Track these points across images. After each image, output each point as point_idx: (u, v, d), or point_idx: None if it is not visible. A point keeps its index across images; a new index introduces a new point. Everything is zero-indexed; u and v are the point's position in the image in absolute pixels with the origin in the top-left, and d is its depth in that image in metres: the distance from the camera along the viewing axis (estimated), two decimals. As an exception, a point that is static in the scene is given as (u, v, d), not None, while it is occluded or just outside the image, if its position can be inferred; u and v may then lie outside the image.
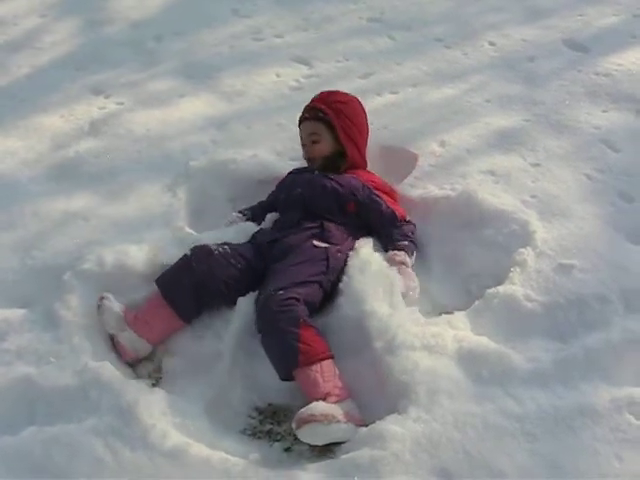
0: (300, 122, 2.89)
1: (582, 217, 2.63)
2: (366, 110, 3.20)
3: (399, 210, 2.72)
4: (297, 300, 2.34)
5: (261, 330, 2.34)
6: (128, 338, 2.47)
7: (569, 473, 1.99)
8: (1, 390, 2.33)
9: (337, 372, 2.26)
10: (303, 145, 2.88)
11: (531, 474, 1.99)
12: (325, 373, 2.23)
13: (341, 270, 2.51)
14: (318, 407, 2.14)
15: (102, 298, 2.49)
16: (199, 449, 2.14)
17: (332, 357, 2.29)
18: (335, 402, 2.18)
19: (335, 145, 2.83)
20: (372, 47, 3.64)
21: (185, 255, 2.54)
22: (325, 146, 2.82)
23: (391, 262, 2.54)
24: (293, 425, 2.14)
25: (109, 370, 2.36)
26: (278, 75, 3.52)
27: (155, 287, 2.53)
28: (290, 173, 2.90)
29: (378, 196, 2.72)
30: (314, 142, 2.82)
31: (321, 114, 2.82)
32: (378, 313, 2.35)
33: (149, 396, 2.28)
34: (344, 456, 2.07)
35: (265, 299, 2.36)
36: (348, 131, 2.83)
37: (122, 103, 3.42)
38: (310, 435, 2.13)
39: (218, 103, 3.39)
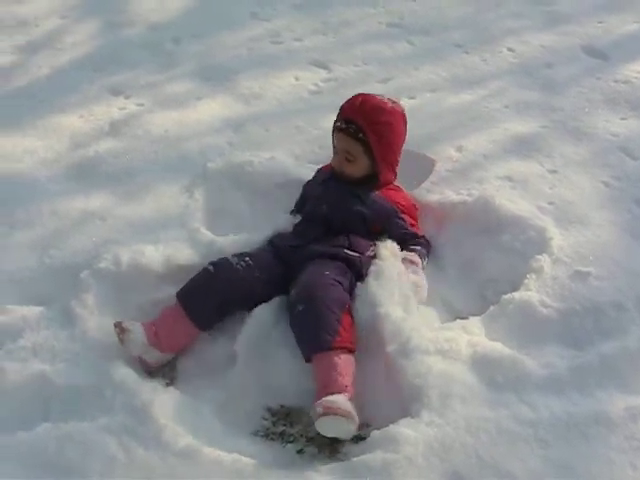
0: (335, 130, 2.71)
1: (599, 224, 2.62)
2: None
3: (419, 231, 2.70)
4: (342, 286, 2.39)
5: (303, 302, 2.33)
6: (154, 356, 2.45)
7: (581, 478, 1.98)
8: (16, 387, 2.34)
9: (354, 369, 2.29)
10: (335, 154, 2.72)
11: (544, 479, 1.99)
12: (347, 366, 2.26)
13: None
14: (341, 401, 2.15)
15: (122, 329, 2.40)
16: (211, 449, 2.14)
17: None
18: (348, 400, 2.19)
19: (370, 167, 2.68)
20: (391, 52, 3.65)
21: (207, 270, 2.49)
22: (359, 168, 2.68)
23: (403, 261, 2.54)
24: (314, 412, 2.14)
25: (124, 369, 2.37)
26: (297, 78, 3.53)
27: (174, 299, 2.49)
28: (315, 176, 2.83)
29: (403, 219, 2.66)
30: (348, 160, 2.67)
31: (361, 135, 2.63)
32: (392, 316, 2.35)
33: (163, 396, 2.28)
34: (356, 458, 2.07)
35: (311, 277, 2.39)
36: (386, 156, 2.68)
37: (142, 104, 3.44)
38: (328, 426, 2.14)
39: (235, 105, 3.40)
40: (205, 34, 3.88)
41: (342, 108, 2.74)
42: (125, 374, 2.35)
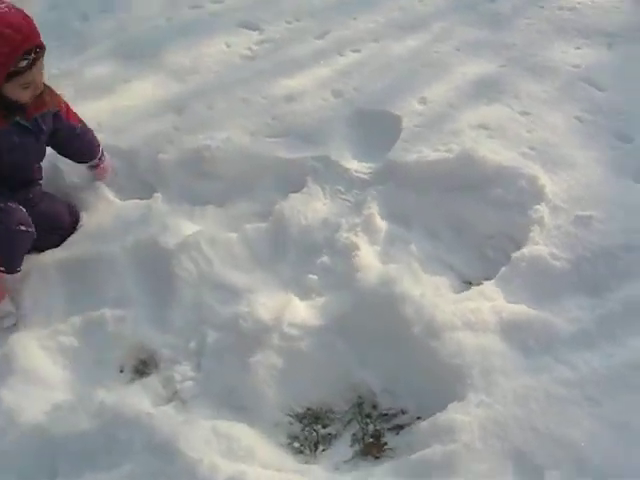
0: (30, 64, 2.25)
1: (585, 164, 2.57)
2: (331, 71, 3.04)
3: None
4: None
5: None
6: None
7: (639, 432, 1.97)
8: (12, 447, 2.09)
9: None
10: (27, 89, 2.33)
11: (602, 439, 1.95)
12: None
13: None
14: None
15: None
16: (256, 473, 1.98)
17: None
18: None
19: None
20: (322, 3, 3.40)
21: None
22: None
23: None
24: None
25: (130, 403, 2.16)
26: (228, 45, 3.24)
27: None
28: None
29: None
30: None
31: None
32: (410, 295, 2.24)
33: (185, 426, 2.08)
34: (415, 455, 1.97)
35: None
36: None
37: (63, 96, 3.05)
38: None
39: (169, 84, 3.08)
40: (115, 7, 3.49)
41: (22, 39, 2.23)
42: (133, 409, 2.13)
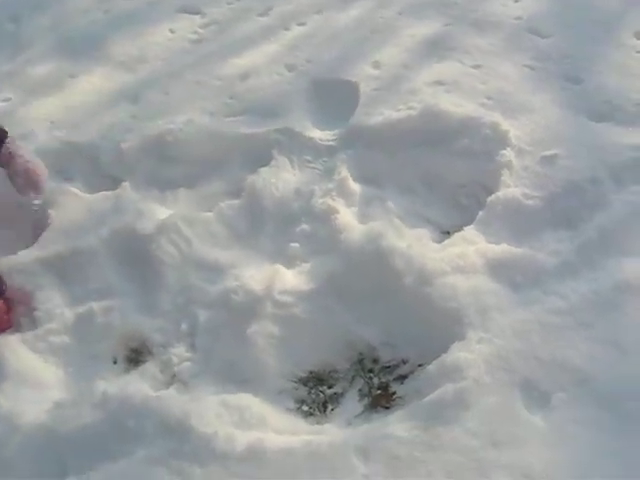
0: None
1: (541, 107, 2.66)
2: (280, 46, 3.04)
3: None
4: None
5: None
6: None
7: (631, 347, 2.05)
8: (17, 451, 2.03)
9: None
10: None
11: (599, 358, 2.03)
12: None
13: None
14: None
15: None
16: (273, 439, 1.99)
17: None
18: None
19: None
20: (260, -20, 3.40)
21: None
22: None
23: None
24: None
25: (134, 389, 2.12)
26: (172, 31, 3.20)
27: None
28: None
29: None
30: None
31: None
32: (397, 248, 2.28)
33: (194, 404, 2.07)
34: (426, 399, 2.00)
35: None
36: None
37: (9, 99, 2.97)
38: None
39: (118, 75, 3.02)
40: (45, 5, 3.37)
41: None
42: (140, 395, 2.09)
